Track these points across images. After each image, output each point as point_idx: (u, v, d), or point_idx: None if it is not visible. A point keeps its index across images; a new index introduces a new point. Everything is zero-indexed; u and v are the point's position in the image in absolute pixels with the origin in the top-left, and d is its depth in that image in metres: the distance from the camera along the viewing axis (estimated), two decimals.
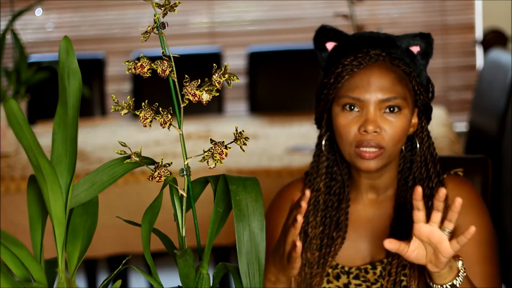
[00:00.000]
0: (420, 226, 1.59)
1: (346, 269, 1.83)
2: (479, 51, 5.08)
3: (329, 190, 1.88)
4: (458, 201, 1.57)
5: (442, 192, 1.58)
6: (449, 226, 1.58)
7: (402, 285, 1.79)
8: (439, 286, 1.64)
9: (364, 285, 1.82)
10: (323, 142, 1.86)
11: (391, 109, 1.77)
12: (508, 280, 3.49)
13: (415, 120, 1.84)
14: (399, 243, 1.60)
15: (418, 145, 1.84)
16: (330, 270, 1.84)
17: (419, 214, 1.58)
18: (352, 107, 1.78)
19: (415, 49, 1.83)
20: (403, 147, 1.84)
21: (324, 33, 1.87)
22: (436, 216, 1.58)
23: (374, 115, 1.76)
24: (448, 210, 1.59)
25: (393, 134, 1.77)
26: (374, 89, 1.76)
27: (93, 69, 4.72)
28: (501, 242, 3.53)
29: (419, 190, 1.58)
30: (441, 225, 1.59)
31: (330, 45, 1.86)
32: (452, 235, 1.79)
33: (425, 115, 1.85)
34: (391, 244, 1.59)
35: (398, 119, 1.77)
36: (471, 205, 1.82)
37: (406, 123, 1.78)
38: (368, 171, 1.80)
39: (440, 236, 1.58)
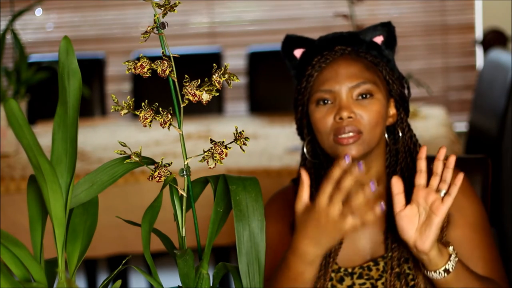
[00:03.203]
0: (419, 188, 1.67)
1: (350, 270, 1.83)
2: (479, 51, 5.08)
3: None
4: (452, 158, 1.66)
5: (443, 150, 1.67)
6: (444, 186, 1.67)
7: (409, 278, 1.79)
8: (433, 273, 1.68)
9: (368, 283, 1.82)
10: (305, 149, 1.88)
11: (364, 95, 1.80)
12: (508, 280, 3.49)
13: (393, 111, 1.87)
14: (402, 187, 1.67)
15: (400, 134, 1.87)
16: (333, 274, 1.83)
17: (420, 177, 1.68)
18: (326, 101, 1.81)
19: (379, 39, 1.87)
20: (387, 139, 1.85)
21: (290, 42, 1.91)
22: (435, 180, 1.67)
23: (347, 102, 1.79)
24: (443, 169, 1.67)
25: (369, 119, 1.80)
26: (343, 78, 1.80)
27: (93, 69, 4.72)
28: (501, 242, 3.53)
29: (424, 149, 1.69)
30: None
31: (298, 52, 1.90)
32: (447, 221, 1.81)
33: (402, 107, 1.87)
34: (398, 182, 1.67)
35: (371, 103, 1.80)
36: (462, 192, 1.83)
37: (381, 108, 1.81)
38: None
39: (435, 196, 1.66)
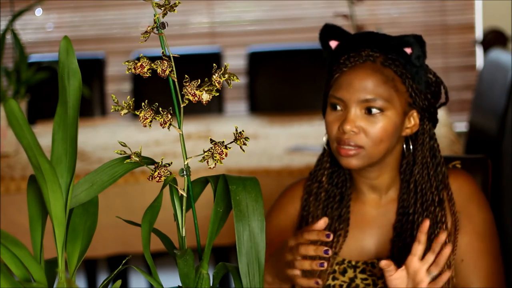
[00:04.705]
0: (414, 259, 1.66)
1: (353, 263, 1.86)
2: (479, 51, 5.08)
3: (332, 181, 1.92)
4: (448, 249, 1.65)
5: (425, 224, 1.66)
6: (435, 270, 1.66)
7: None
8: None
9: (370, 279, 1.84)
10: (324, 139, 1.89)
11: (372, 110, 1.80)
12: (508, 280, 3.49)
13: (415, 121, 1.85)
14: (391, 263, 1.66)
15: (411, 146, 1.86)
16: (336, 267, 1.86)
17: (418, 248, 1.66)
18: (337, 107, 1.82)
19: (408, 50, 1.84)
20: (404, 148, 1.85)
21: (327, 31, 1.91)
22: (430, 257, 1.66)
23: (354, 115, 1.79)
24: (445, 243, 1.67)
25: (374, 135, 1.79)
26: (355, 90, 1.80)
27: (93, 69, 4.72)
28: (501, 241, 3.53)
29: (426, 224, 1.66)
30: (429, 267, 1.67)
31: (333, 44, 1.90)
32: (454, 228, 1.81)
33: (427, 118, 1.86)
34: (386, 265, 1.66)
35: (380, 119, 1.80)
36: (471, 198, 1.84)
37: (389, 125, 1.80)
38: (350, 168, 1.83)
39: (423, 277, 1.65)
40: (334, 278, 1.85)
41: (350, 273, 1.85)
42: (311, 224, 1.71)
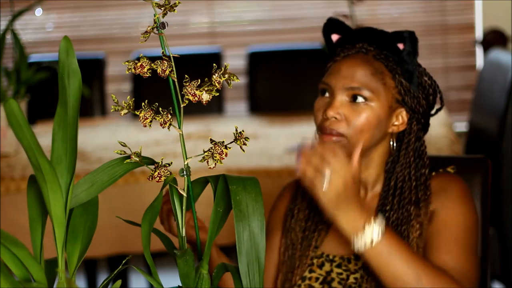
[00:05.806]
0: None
1: (331, 257, 1.88)
2: (479, 51, 5.08)
3: None
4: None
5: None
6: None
7: None
8: (356, 238, 1.67)
9: (344, 274, 1.86)
10: (315, 131, 1.91)
11: (357, 98, 1.81)
12: (508, 280, 3.49)
13: (403, 119, 1.85)
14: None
15: (394, 143, 1.86)
16: (315, 260, 1.88)
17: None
18: (325, 92, 1.84)
19: (401, 46, 1.86)
20: (392, 145, 1.85)
21: (330, 25, 1.93)
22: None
23: (339, 102, 1.81)
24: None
25: (355, 124, 1.80)
26: (342, 77, 1.82)
27: (93, 69, 4.72)
28: (501, 242, 3.53)
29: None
30: None
31: (334, 37, 1.92)
32: (430, 219, 1.81)
33: (416, 119, 1.86)
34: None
35: (363, 109, 1.81)
36: (452, 192, 1.83)
37: (373, 116, 1.81)
38: None
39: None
40: (311, 271, 1.88)
41: (327, 266, 1.87)
42: None
